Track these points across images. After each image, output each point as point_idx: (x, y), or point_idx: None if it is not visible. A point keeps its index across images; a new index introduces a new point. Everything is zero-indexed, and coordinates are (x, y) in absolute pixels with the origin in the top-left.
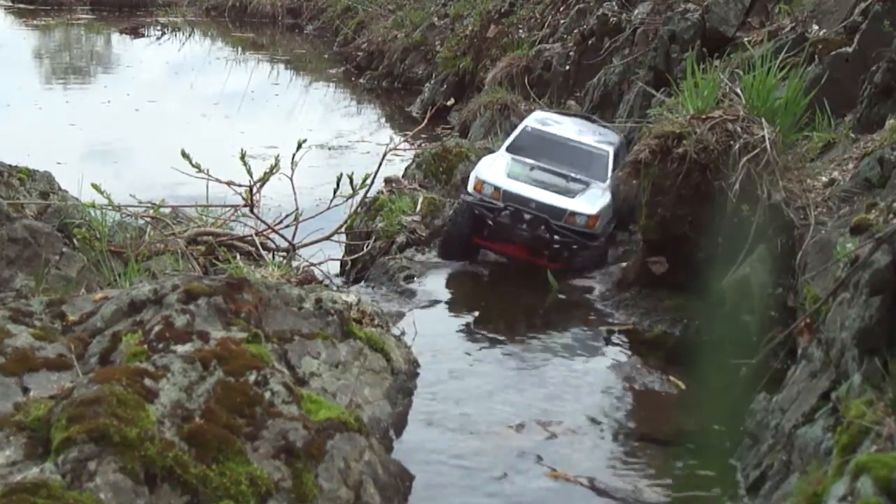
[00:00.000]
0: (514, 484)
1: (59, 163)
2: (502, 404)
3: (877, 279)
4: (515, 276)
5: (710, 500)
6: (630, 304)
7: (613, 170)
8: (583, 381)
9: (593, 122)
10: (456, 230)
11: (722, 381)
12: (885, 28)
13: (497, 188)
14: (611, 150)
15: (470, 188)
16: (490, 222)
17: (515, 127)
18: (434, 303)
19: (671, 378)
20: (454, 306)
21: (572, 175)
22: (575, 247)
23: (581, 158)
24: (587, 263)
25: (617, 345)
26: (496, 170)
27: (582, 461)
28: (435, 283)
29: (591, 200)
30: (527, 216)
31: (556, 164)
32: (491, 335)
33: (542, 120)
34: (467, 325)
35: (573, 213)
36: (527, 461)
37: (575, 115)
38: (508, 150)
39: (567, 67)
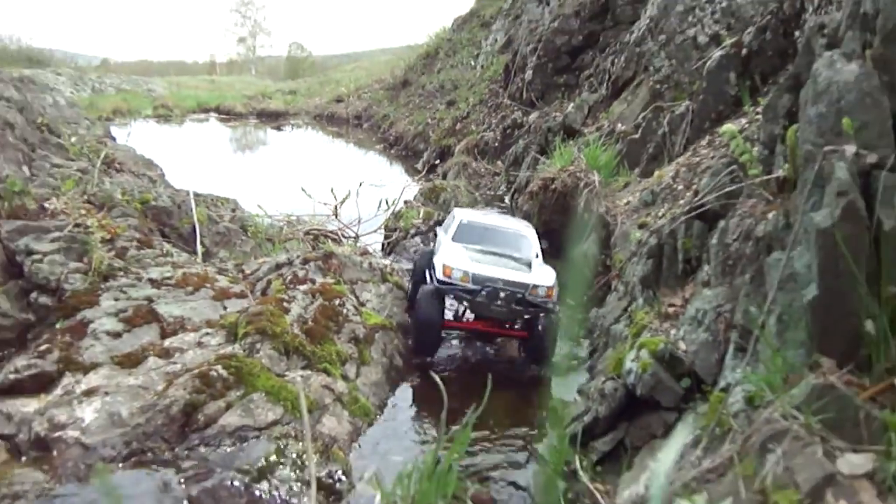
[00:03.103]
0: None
1: (239, 192)
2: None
3: (650, 251)
4: None
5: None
6: None
7: (538, 250)
8: None
9: (503, 211)
10: (428, 318)
11: (576, 301)
12: (653, 126)
13: (466, 272)
14: (531, 234)
15: (439, 274)
16: (466, 303)
17: (450, 212)
18: None
19: None
20: None
21: (515, 255)
22: (542, 315)
23: (514, 242)
24: (545, 335)
25: None
26: (458, 256)
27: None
28: None
29: (544, 274)
30: (502, 294)
31: (498, 247)
32: None
33: (469, 214)
34: None
35: (535, 286)
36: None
37: (487, 208)
38: (455, 239)
39: (496, 144)
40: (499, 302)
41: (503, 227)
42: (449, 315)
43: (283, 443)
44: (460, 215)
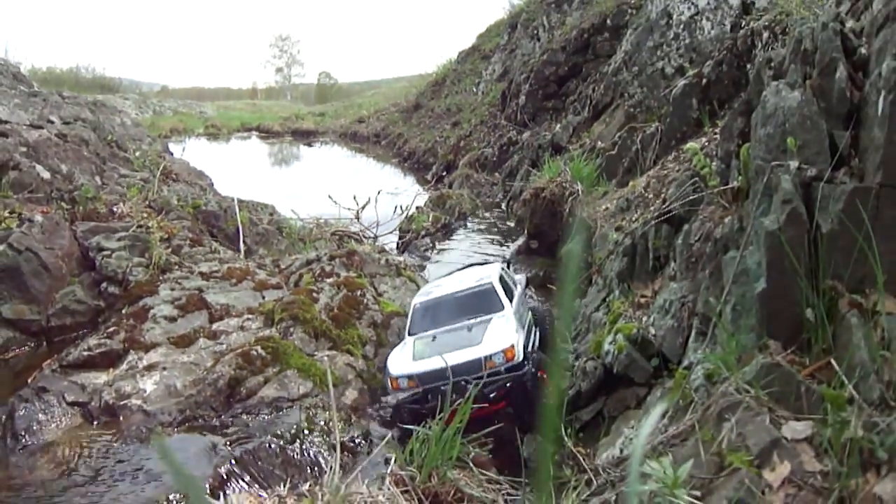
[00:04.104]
0: None
1: (275, 199)
2: None
3: (625, 250)
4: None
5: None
6: (522, 261)
7: (507, 297)
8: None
9: (472, 265)
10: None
11: (561, 294)
12: (628, 144)
13: (410, 377)
14: (493, 280)
15: (389, 390)
16: (425, 412)
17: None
18: (436, 262)
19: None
20: (445, 262)
21: (471, 322)
22: (508, 384)
23: (471, 303)
24: (523, 397)
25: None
26: (403, 359)
27: None
28: (435, 254)
29: (499, 334)
30: (444, 388)
31: (453, 320)
32: None
33: (425, 292)
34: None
35: (489, 357)
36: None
37: (459, 270)
38: (410, 333)
39: (495, 159)
40: (454, 396)
41: (457, 292)
42: None
43: (313, 412)
44: (417, 299)
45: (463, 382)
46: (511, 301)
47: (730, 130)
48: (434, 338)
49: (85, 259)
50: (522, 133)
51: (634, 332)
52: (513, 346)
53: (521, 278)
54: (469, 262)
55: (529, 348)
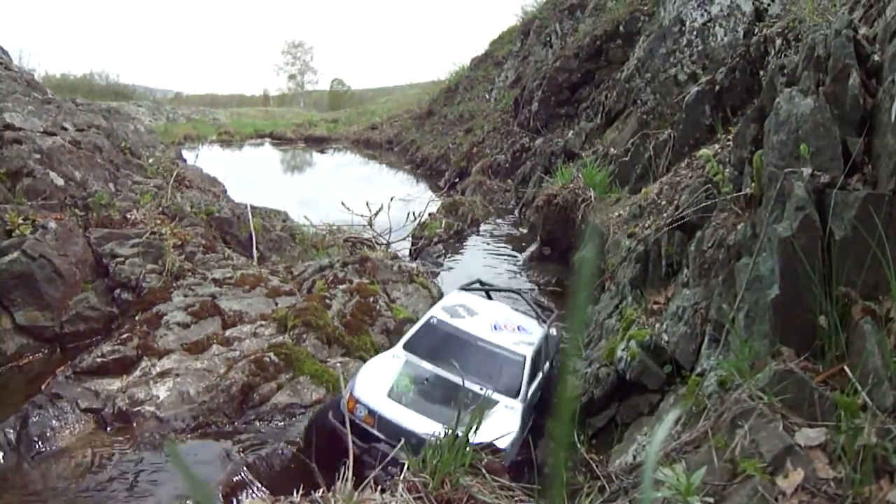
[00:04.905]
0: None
1: (288, 205)
2: None
3: (637, 256)
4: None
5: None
6: (535, 267)
7: (530, 381)
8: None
9: (521, 296)
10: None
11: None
12: (641, 151)
13: (371, 412)
14: (528, 353)
15: (344, 407)
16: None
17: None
18: (449, 268)
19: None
20: (458, 268)
21: (477, 389)
22: None
23: (493, 365)
24: None
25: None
26: (379, 383)
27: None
28: (448, 261)
29: (491, 432)
30: (401, 457)
31: (464, 372)
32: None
33: (451, 309)
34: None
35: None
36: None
37: (501, 290)
38: (406, 346)
39: (507, 165)
40: (395, 468)
41: (485, 340)
42: None
43: None
44: (438, 307)
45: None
46: (532, 382)
47: (743, 137)
48: (425, 381)
49: (98, 266)
50: (535, 140)
51: (647, 339)
52: (511, 447)
53: (556, 337)
54: (490, 268)
55: (524, 432)
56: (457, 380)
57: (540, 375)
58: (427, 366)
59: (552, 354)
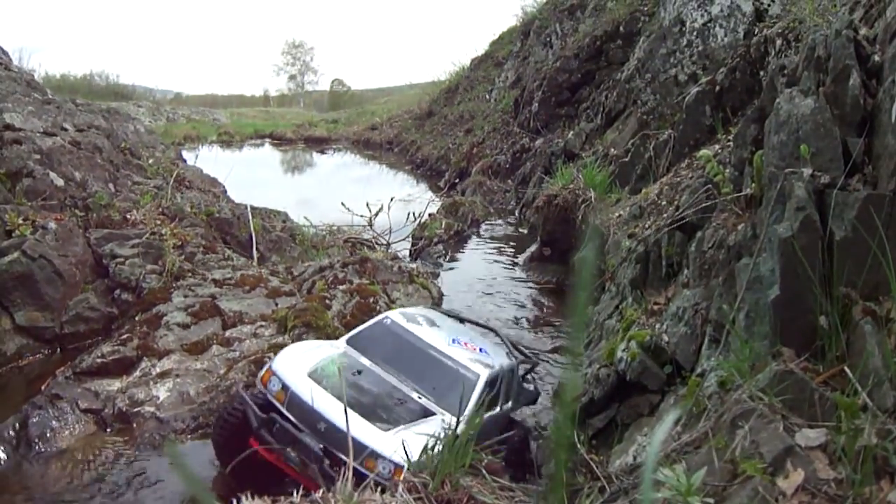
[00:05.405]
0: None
1: (288, 206)
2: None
3: (638, 257)
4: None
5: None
6: (535, 268)
7: (479, 404)
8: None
9: (494, 333)
10: (218, 432)
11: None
12: (641, 151)
13: (285, 388)
14: (483, 373)
15: (258, 381)
16: (261, 431)
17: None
18: (449, 269)
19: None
20: (458, 269)
21: (414, 396)
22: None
23: (439, 376)
24: None
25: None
26: (303, 362)
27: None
28: (448, 261)
29: (411, 445)
30: (306, 441)
31: (400, 376)
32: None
33: (411, 315)
34: (463, 278)
35: (374, 457)
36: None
37: (475, 324)
38: (349, 341)
39: (507, 166)
40: (294, 455)
41: (437, 349)
42: None
43: None
44: (394, 314)
45: (320, 453)
46: (482, 408)
47: (743, 137)
48: (359, 373)
49: (98, 266)
50: (535, 140)
51: (647, 340)
52: (406, 472)
53: (530, 393)
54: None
55: None
56: (392, 380)
57: (497, 410)
58: (364, 360)
59: (516, 395)
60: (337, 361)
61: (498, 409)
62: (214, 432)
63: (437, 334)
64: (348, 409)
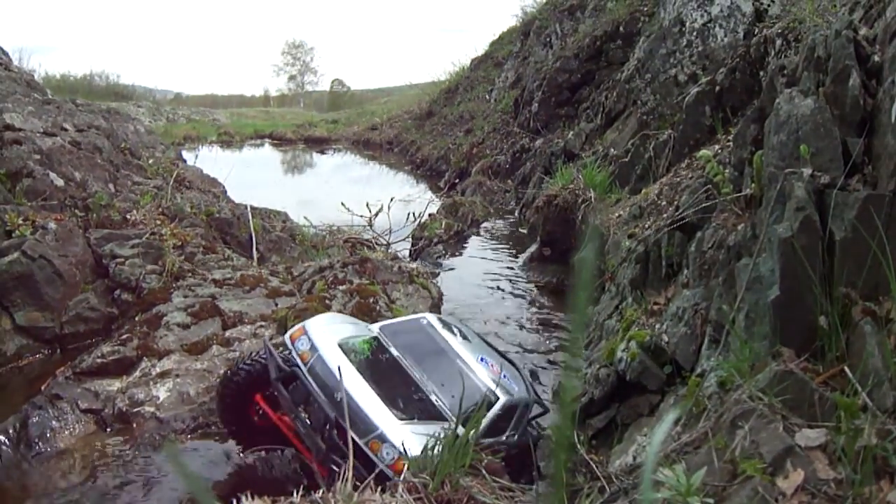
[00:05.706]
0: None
1: (288, 206)
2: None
3: (638, 257)
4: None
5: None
6: (535, 268)
7: (491, 427)
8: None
9: (516, 369)
10: (226, 384)
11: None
12: (641, 151)
13: (314, 348)
14: (503, 398)
15: (287, 336)
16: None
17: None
18: (449, 269)
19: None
20: (458, 269)
21: (433, 399)
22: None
23: (461, 387)
24: None
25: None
26: (338, 330)
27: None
28: (448, 261)
29: (416, 443)
30: (320, 402)
31: (424, 375)
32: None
33: (447, 323)
34: (463, 278)
35: (381, 440)
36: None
37: (500, 354)
38: (382, 329)
39: (507, 166)
40: (305, 416)
41: (466, 364)
42: None
43: None
44: (431, 315)
45: (333, 419)
46: (489, 430)
47: (743, 138)
48: (389, 359)
49: (98, 266)
50: (535, 140)
51: (647, 340)
52: (404, 464)
53: (531, 437)
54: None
55: None
56: (415, 376)
57: (502, 437)
58: (394, 351)
59: (521, 432)
60: (368, 341)
61: (503, 437)
62: (222, 385)
63: (467, 348)
64: (370, 387)
